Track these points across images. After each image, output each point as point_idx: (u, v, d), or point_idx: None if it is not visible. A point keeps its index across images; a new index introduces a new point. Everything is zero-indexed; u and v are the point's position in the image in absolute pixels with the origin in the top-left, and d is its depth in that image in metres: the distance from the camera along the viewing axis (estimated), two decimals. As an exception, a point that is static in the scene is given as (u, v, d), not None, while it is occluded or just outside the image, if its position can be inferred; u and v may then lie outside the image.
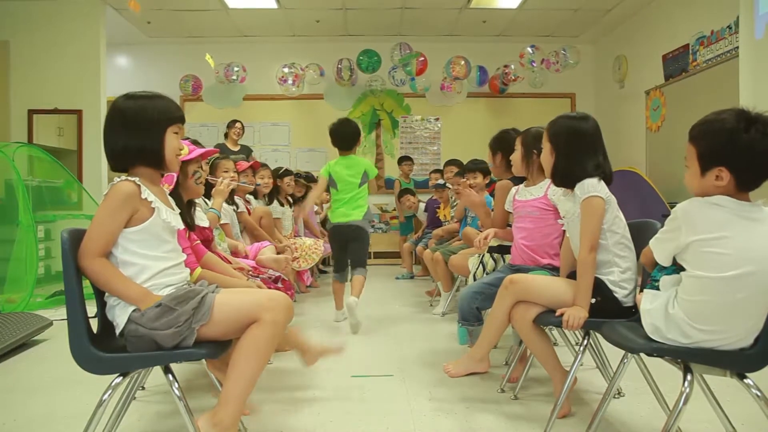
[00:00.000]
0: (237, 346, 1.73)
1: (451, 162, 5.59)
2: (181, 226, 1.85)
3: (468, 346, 2.78)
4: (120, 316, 1.67)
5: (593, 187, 2.09)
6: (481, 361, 2.61)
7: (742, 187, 1.59)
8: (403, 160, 7.54)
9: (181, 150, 1.86)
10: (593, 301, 2.07)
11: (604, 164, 2.17)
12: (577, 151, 2.17)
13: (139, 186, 1.69)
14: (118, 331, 1.69)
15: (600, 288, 2.09)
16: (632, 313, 2.06)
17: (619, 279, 2.10)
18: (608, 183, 2.16)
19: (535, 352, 2.28)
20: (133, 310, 1.66)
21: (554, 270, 2.54)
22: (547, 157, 2.25)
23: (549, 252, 2.60)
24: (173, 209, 1.83)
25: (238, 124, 6.78)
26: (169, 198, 1.88)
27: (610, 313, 2.06)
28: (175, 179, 2.21)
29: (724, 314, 1.59)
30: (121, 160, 1.76)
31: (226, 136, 6.85)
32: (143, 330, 1.63)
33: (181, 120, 1.83)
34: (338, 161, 4.04)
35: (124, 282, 1.66)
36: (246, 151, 6.74)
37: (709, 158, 1.59)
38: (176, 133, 1.80)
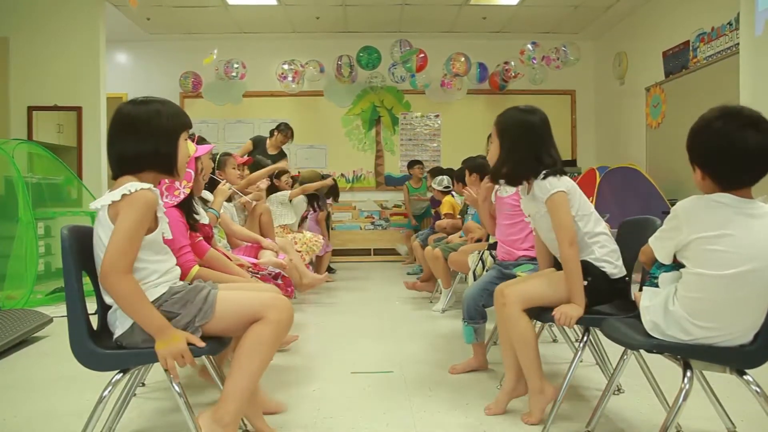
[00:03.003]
0: (240, 343, 1.73)
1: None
2: (170, 235, 1.83)
3: (474, 343, 2.74)
4: (123, 321, 1.65)
5: (551, 184, 2.10)
6: (542, 391, 2.15)
7: (723, 184, 1.59)
8: (415, 164, 7.40)
9: (188, 156, 1.85)
10: (585, 283, 2.07)
11: (554, 156, 2.17)
12: (525, 146, 2.17)
13: (155, 195, 1.66)
14: (116, 336, 1.66)
15: (587, 268, 2.10)
16: (625, 285, 2.12)
17: (601, 255, 2.11)
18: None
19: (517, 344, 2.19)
20: None
21: (533, 259, 2.60)
22: (494, 151, 2.24)
23: (523, 246, 2.67)
24: (163, 215, 1.82)
25: (289, 133, 6.25)
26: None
27: (604, 292, 2.08)
28: (193, 176, 2.22)
29: (724, 311, 1.59)
30: (131, 165, 1.69)
31: (271, 134, 6.30)
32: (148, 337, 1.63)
33: (190, 126, 1.82)
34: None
35: (151, 309, 1.61)
36: (281, 155, 6.29)
37: (689, 158, 1.66)
38: (186, 139, 1.79)
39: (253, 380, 1.74)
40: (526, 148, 2.17)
